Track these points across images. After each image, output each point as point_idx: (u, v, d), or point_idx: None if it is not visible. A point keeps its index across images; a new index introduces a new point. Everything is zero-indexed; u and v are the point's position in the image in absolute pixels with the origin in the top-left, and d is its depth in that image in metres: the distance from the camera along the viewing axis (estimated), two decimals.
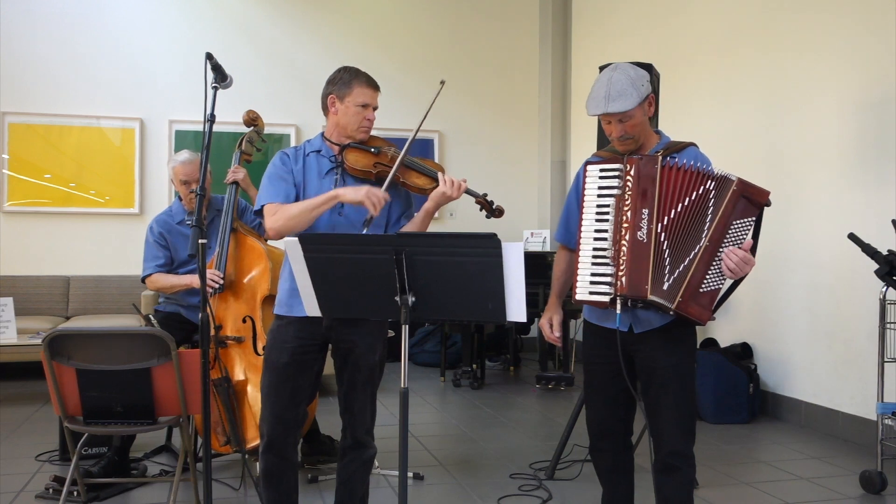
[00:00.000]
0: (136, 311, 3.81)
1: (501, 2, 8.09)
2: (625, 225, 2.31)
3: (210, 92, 2.66)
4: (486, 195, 2.74)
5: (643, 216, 2.30)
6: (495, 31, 8.05)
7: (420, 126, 2.67)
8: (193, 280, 3.73)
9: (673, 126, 5.62)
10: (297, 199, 2.61)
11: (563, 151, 8.03)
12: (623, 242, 2.30)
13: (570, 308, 6.07)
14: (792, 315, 4.98)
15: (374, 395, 2.70)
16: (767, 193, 2.33)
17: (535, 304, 6.04)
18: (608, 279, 2.34)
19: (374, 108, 2.69)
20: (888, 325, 3.73)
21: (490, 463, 4.10)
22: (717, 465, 4.06)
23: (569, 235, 2.63)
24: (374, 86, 2.67)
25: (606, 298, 2.34)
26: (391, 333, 4.49)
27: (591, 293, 2.36)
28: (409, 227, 2.70)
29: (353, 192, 2.49)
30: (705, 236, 2.28)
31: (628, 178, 2.33)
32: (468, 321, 5.82)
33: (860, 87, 4.52)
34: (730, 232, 2.29)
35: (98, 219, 6.99)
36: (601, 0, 7.47)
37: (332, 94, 2.66)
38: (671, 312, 2.29)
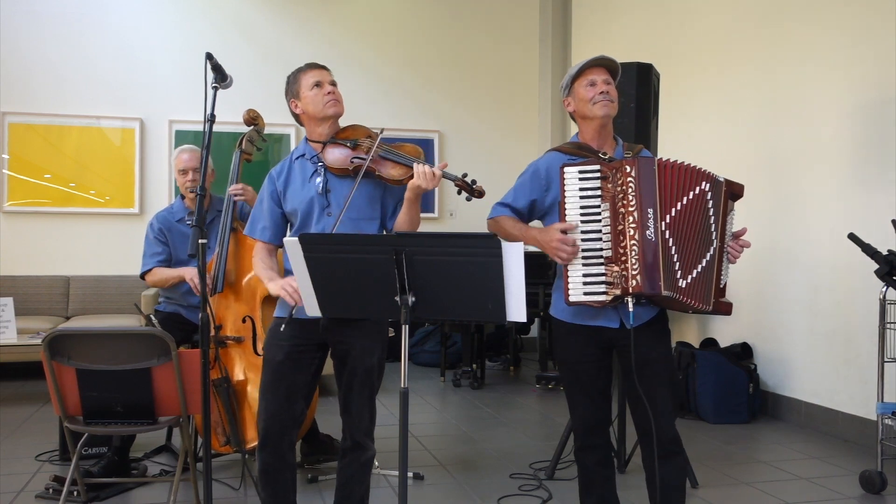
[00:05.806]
0: (137, 310, 3.82)
1: (502, 1, 8.09)
2: (632, 225, 2.34)
3: (210, 92, 2.68)
4: (465, 175, 2.61)
5: (649, 215, 2.33)
6: (495, 31, 8.05)
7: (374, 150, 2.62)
8: (184, 272, 3.74)
9: (673, 127, 5.66)
10: (276, 220, 2.69)
11: None
12: (633, 242, 2.33)
13: None
14: (792, 315, 4.98)
15: (371, 397, 2.68)
16: (743, 187, 2.53)
17: (535, 304, 6.04)
18: (602, 279, 2.36)
19: (332, 83, 2.73)
20: (888, 325, 3.72)
21: (490, 463, 4.10)
22: (717, 465, 4.06)
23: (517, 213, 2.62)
24: (318, 66, 2.76)
25: (603, 298, 2.37)
26: (392, 333, 4.49)
27: (586, 293, 2.38)
28: (400, 221, 2.64)
29: (273, 286, 2.57)
30: (716, 237, 2.42)
31: (629, 178, 2.36)
32: (468, 321, 5.82)
33: (860, 88, 4.52)
34: (727, 227, 2.47)
35: (98, 219, 6.99)
36: (601, 1, 7.48)
37: (290, 98, 2.75)
38: (690, 311, 2.45)
